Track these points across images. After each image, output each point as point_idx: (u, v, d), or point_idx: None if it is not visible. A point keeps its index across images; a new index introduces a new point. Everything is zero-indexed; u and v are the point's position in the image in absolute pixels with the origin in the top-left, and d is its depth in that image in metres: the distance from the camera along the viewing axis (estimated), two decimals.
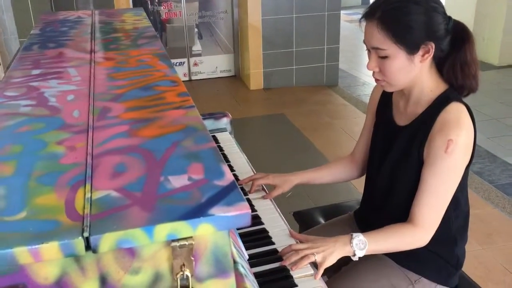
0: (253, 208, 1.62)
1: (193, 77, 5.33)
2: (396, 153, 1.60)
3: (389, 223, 1.55)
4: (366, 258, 1.68)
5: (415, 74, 1.47)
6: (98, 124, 0.94)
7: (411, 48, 1.37)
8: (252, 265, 1.33)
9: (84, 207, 0.66)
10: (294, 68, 5.12)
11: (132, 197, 0.69)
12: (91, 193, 0.70)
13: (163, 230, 0.63)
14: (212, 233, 0.66)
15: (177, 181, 0.73)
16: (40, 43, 1.52)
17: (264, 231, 1.58)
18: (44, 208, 0.67)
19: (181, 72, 5.28)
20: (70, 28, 1.74)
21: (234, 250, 1.01)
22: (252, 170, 1.95)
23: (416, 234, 1.44)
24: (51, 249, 0.60)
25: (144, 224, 0.63)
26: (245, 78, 5.20)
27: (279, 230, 1.53)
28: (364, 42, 1.49)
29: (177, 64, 5.20)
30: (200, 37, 5.24)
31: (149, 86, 1.14)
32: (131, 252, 0.64)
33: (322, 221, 2.08)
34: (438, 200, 1.42)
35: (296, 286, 1.26)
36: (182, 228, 0.64)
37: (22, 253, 0.59)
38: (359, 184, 2.13)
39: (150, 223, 0.63)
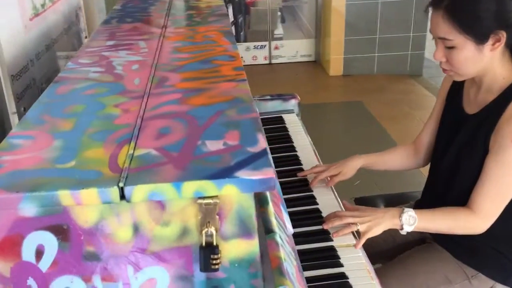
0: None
1: (273, 61, 5.37)
2: (462, 141, 1.55)
3: None
4: (422, 249, 1.65)
5: (485, 63, 1.41)
6: (154, 91, 1.01)
7: (480, 38, 1.31)
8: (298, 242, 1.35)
9: (124, 162, 0.73)
10: (376, 56, 5.00)
11: (169, 156, 0.75)
12: (134, 150, 0.77)
13: (191, 187, 0.68)
14: (236, 194, 0.69)
15: (213, 145, 0.77)
16: (118, 18, 1.63)
17: (318, 210, 1.60)
18: (91, 160, 0.74)
19: (261, 55, 5.35)
20: (149, 5, 1.84)
21: (274, 221, 1.04)
22: (314, 152, 1.96)
23: (472, 220, 1.40)
24: (89, 195, 0.67)
25: (173, 180, 0.68)
26: (325, 64, 5.15)
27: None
28: (430, 31, 1.45)
29: (258, 47, 5.27)
30: (283, 21, 5.26)
31: (209, 59, 1.20)
32: (162, 205, 0.70)
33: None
34: (499, 190, 1.37)
35: (337, 254, 1.28)
36: (208, 187, 0.68)
37: (65, 196, 0.66)
38: None
39: (179, 180, 0.68)
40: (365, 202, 2.15)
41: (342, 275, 1.34)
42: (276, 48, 5.32)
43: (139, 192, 0.67)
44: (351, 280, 1.32)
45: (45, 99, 0.98)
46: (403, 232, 1.39)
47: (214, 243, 0.72)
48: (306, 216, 1.59)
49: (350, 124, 4.07)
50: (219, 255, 0.72)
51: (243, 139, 0.79)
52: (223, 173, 0.69)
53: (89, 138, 0.81)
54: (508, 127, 1.38)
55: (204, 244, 0.72)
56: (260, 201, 1.11)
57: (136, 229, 0.71)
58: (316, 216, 1.58)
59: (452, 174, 1.59)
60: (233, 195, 0.70)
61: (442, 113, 1.67)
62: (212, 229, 0.71)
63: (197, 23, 1.55)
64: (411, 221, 1.38)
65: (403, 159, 1.83)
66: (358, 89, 4.76)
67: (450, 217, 1.43)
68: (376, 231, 1.41)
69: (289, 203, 1.63)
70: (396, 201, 1.95)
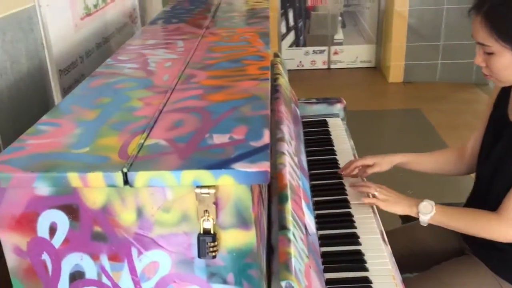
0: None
1: (332, 66, 5.34)
2: (501, 148, 1.50)
3: None
4: (459, 261, 1.60)
5: None
6: (179, 87, 1.06)
7: None
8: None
9: (133, 150, 0.78)
10: (439, 63, 4.85)
11: (176, 147, 0.79)
12: (145, 140, 0.82)
13: (189, 176, 0.71)
14: (233, 185, 0.72)
15: (219, 139, 0.81)
16: (165, 19, 1.71)
17: (350, 214, 1.59)
18: (104, 146, 0.80)
19: (320, 60, 5.33)
20: (197, 7, 1.91)
21: (290, 219, 1.06)
22: (355, 157, 1.95)
23: (493, 224, 1.36)
24: (96, 178, 0.72)
25: (174, 168, 0.72)
26: (385, 70, 5.06)
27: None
28: (472, 35, 1.42)
29: (318, 52, 5.26)
30: (343, 25, 5.22)
31: (239, 59, 1.24)
32: (163, 192, 0.74)
33: None
34: None
35: (364, 259, 1.29)
36: (205, 177, 0.71)
37: (74, 178, 0.72)
38: None
39: (179, 168, 0.72)
40: None
41: (366, 279, 1.33)
42: (336, 53, 5.28)
43: (141, 178, 0.72)
44: (374, 286, 1.31)
45: (78, 91, 1.06)
46: (422, 223, 1.41)
47: (212, 231, 0.75)
48: (336, 219, 1.59)
49: (406, 132, 3.97)
50: (216, 243, 0.76)
51: (249, 134, 0.82)
52: (221, 164, 0.72)
53: (107, 128, 0.87)
54: None
55: (202, 231, 0.75)
56: (279, 199, 1.13)
57: (139, 213, 0.76)
58: (346, 220, 1.57)
59: (491, 183, 1.54)
60: (230, 186, 0.73)
61: (488, 120, 1.62)
62: (210, 218, 0.74)
63: (237, 25, 1.60)
64: (427, 209, 1.40)
65: (445, 163, 1.78)
66: (418, 96, 4.64)
67: (470, 216, 1.42)
68: (391, 207, 1.46)
69: (321, 205, 1.64)
70: None
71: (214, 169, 0.71)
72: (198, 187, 0.72)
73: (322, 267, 1.32)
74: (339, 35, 5.25)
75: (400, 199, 1.46)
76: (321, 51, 5.27)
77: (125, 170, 0.72)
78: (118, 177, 0.72)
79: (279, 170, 1.24)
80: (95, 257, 0.79)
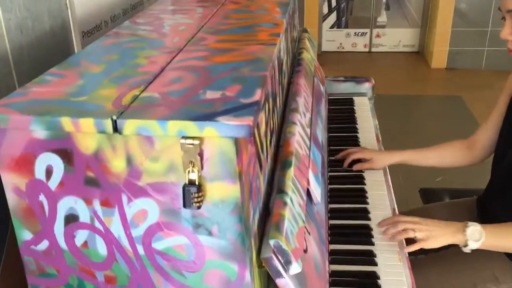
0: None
1: (373, 49, 5.24)
2: None
3: (509, 213, 1.43)
4: None
5: None
6: (187, 49, 1.08)
7: None
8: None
9: (127, 101, 0.81)
10: (485, 50, 4.68)
11: (168, 100, 0.81)
12: (140, 92, 0.84)
13: (174, 126, 0.74)
14: (217, 138, 0.74)
15: (211, 95, 0.82)
16: None
17: (363, 190, 1.59)
18: (101, 96, 0.83)
19: (361, 43, 5.24)
20: None
21: (289, 184, 1.07)
22: (377, 136, 1.93)
23: None
24: (87, 124, 0.75)
25: (160, 118, 0.74)
26: (428, 55, 4.93)
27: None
28: (499, 8, 1.37)
29: (359, 34, 5.17)
30: (387, 8, 5.10)
31: (252, 25, 1.24)
32: (151, 141, 0.76)
33: None
34: None
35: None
36: (190, 128, 0.73)
37: (66, 122, 0.75)
38: None
39: (166, 118, 0.74)
40: (430, 194, 2.08)
41: (370, 253, 1.34)
42: (378, 36, 5.18)
43: (129, 126, 0.74)
44: (377, 259, 1.31)
45: (91, 48, 1.10)
46: (466, 250, 1.29)
47: (197, 183, 0.77)
48: (349, 194, 1.59)
49: (445, 119, 3.87)
50: (201, 194, 0.78)
51: (241, 92, 0.83)
52: (206, 117, 0.74)
53: (109, 81, 0.90)
54: None
55: (187, 182, 0.77)
56: (282, 165, 1.14)
57: (129, 161, 0.78)
58: (359, 195, 1.57)
59: (510, 173, 1.50)
60: (214, 139, 0.74)
61: (506, 109, 1.57)
62: (195, 169, 0.76)
63: None
64: (476, 236, 1.27)
65: (451, 156, 1.73)
66: (461, 84, 4.50)
67: None
68: (435, 243, 1.30)
69: (335, 180, 1.64)
70: (463, 196, 1.86)
71: (198, 121, 0.73)
72: (183, 137, 0.74)
73: (325, 237, 1.33)
74: (383, 18, 5.14)
75: (441, 230, 1.30)
76: (363, 34, 5.18)
77: (114, 117, 0.75)
78: (108, 124, 0.75)
79: (287, 139, 1.25)
80: (88, 201, 0.83)
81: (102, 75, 0.93)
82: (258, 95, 0.82)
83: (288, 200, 1.02)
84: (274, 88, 1.25)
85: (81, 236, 0.86)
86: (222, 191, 0.79)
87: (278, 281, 0.93)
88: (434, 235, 1.29)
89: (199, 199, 0.78)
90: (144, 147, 0.77)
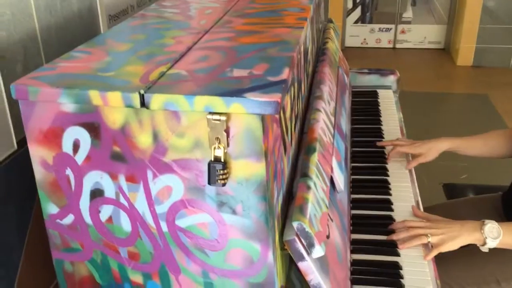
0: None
1: (398, 45, 5.17)
2: None
3: None
4: None
5: None
6: (213, 30, 1.08)
7: None
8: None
9: (155, 77, 0.81)
10: None
11: (195, 77, 0.81)
12: (167, 69, 0.84)
13: (202, 101, 0.73)
14: (244, 114, 0.73)
15: (238, 73, 0.82)
16: None
17: (386, 181, 1.57)
18: (128, 72, 0.83)
19: (386, 39, 5.18)
20: None
21: (313, 168, 1.06)
22: (401, 129, 1.91)
23: None
24: (115, 97, 0.75)
25: (188, 93, 0.74)
26: (454, 52, 4.84)
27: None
28: None
29: (384, 29, 5.11)
30: (414, 3, 5.03)
31: (279, 10, 1.23)
32: (178, 117, 0.76)
33: None
34: None
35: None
36: (217, 103, 0.73)
37: (95, 96, 0.76)
38: None
39: (193, 93, 0.74)
40: (454, 189, 2.04)
41: (391, 243, 1.32)
42: (403, 32, 5.11)
43: (156, 100, 0.74)
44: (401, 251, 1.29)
45: (117, 28, 1.11)
46: (484, 249, 1.26)
47: (222, 160, 0.77)
48: (372, 185, 1.57)
49: (469, 117, 3.80)
50: (226, 171, 0.77)
51: (269, 71, 0.82)
52: (233, 93, 0.73)
53: (136, 58, 0.91)
54: None
55: (213, 159, 0.77)
56: (307, 150, 1.14)
57: (155, 136, 0.78)
58: (382, 186, 1.55)
59: None
60: (241, 115, 0.74)
61: None
62: (221, 146, 0.76)
63: None
64: (494, 233, 1.24)
65: (496, 146, 1.70)
66: (487, 82, 4.41)
67: None
68: (452, 245, 1.26)
69: (357, 170, 1.62)
70: (487, 192, 1.83)
71: (226, 96, 0.73)
72: (210, 113, 0.74)
73: (348, 226, 1.32)
74: (408, 13, 5.07)
75: (456, 232, 1.26)
76: (388, 29, 5.11)
77: (142, 92, 0.75)
78: (135, 98, 0.75)
79: (311, 125, 1.24)
80: (113, 176, 0.83)
81: (129, 53, 0.93)
82: (285, 73, 0.81)
83: (312, 184, 1.01)
84: (300, 75, 1.24)
85: (106, 211, 0.86)
86: (247, 169, 0.78)
87: (300, 264, 0.92)
88: (450, 237, 1.26)
89: (224, 176, 0.78)
90: (170, 123, 0.77)
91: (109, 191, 0.84)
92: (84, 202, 0.86)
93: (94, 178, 0.84)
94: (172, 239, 0.86)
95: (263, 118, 0.75)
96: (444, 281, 1.46)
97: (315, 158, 1.10)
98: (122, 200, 0.85)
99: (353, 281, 1.19)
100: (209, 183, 0.79)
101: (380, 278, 1.19)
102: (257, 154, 0.77)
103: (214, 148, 0.76)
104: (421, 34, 5.07)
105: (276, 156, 0.88)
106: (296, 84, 1.16)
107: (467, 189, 2.00)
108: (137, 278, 0.91)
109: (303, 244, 0.91)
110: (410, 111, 3.68)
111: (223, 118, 0.74)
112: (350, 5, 5.09)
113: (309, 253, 0.92)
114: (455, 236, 1.26)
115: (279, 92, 0.74)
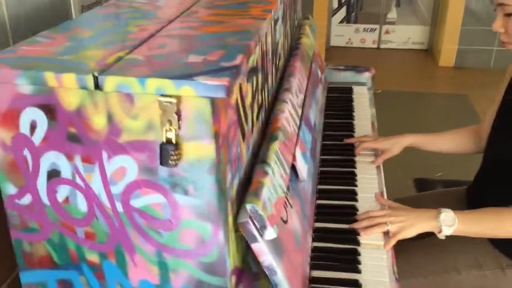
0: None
1: (382, 45, 5.23)
2: (508, 127, 1.47)
3: (495, 203, 1.43)
4: None
5: None
6: (179, 20, 1.10)
7: None
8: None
9: (111, 61, 0.83)
10: (495, 49, 4.65)
11: (151, 62, 0.84)
12: (125, 54, 0.87)
13: (153, 83, 0.76)
14: (194, 97, 0.76)
15: (193, 58, 0.85)
16: None
17: (353, 173, 1.61)
18: (87, 56, 0.86)
19: (370, 39, 5.24)
20: None
21: (272, 156, 1.10)
22: (373, 125, 1.95)
23: None
24: (69, 79, 0.78)
25: (140, 76, 0.77)
26: (436, 53, 4.91)
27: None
28: (491, 0, 1.39)
29: (368, 30, 5.16)
30: (398, 4, 5.09)
31: (247, 2, 1.26)
32: (131, 99, 0.79)
33: None
34: None
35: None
36: (168, 85, 0.76)
37: (50, 77, 0.78)
38: None
39: (145, 76, 0.77)
40: (424, 184, 2.09)
41: (353, 231, 1.35)
42: (387, 32, 5.17)
43: (110, 82, 0.77)
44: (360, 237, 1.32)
45: (84, 16, 1.13)
46: (441, 236, 1.31)
47: (174, 141, 0.80)
48: (339, 176, 1.61)
49: (448, 117, 3.86)
50: (177, 152, 0.80)
51: (223, 57, 0.85)
52: (184, 76, 0.76)
53: (98, 44, 0.93)
54: None
55: (164, 140, 0.80)
56: (269, 139, 1.17)
57: (109, 118, 0.81)
58: (349, 178, 1.59)
59: (498, 162, 1.51)
60: (191, 98, 0.77)
61: (503, 98, 1.58)
62: (172, 128, 0.79)
63: None
64: (450, 221, 1.29)
65: (461, 142, 1.75)
66: (468, 83, 4.49)
67: (494, 218, 1.33)
68: (409, 233, 1.32)
69: (327, 163, 1.66)
70: (454, 186, 1.88)
71: (176, 79, 0.75)
72: (161, 95, 0.77)
73: (311, 214, 1.35)
74: (392, 14, 5.13)
75: (414, 219, 1.32)
76: (372, 30, 5.17)
77: (96, 74, 0.77)
78: (89, 80, 0.77)
79: (276, 115, 1.27)
80: (70, 157, 0.86)
81: (91, 39, 0.96)
82: (239, 60, 0.84)
83: (269, 170, 1.05)
84: (266, 66, 1.27)
85: (62, 192, 0.89)
86: (198, 151, 0.81)
87: (253, 246, 0.96)
88: (408, 224, 1.31)
89: (175, 157, 0.80)
90: (124, 105, 0.80)
91: (66, 171, 0.87)
92: (42, 183, 0.88)
93: (51, 158, 0.86)
94: (127, 219, 0.89)
95: (213, 101, 0.78)
96: (406, 269, 1.51)
97: (275, 146, 1.14)
98: (78, 180, 0.87)
99: (312, 266, 1.22)
100: (161, 164, 0.81)
101: (338, 264, 1.23)
102: (208, 136, 0.80)
103: (166, 130, 0.79)
104: (405, 34, 5.13)
105: (231, 141, 0.91)
106: (260, 75, 1.19)
107: (436, 184, 2.05)
108: (93, 257, 0.94)
109: (256, 226, 0.94)
110: (391, 110, 3.74)
111: (174, 100, 0.77)
112: (335, 4, 5.14)
113: (261, 235, 0.95)
114: (413, 224, 1.30)
115: (229, 77, 0.76)
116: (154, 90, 0.77)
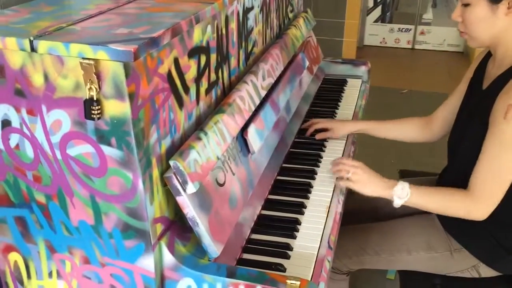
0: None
1: (416, 46, 5.20)
2: (467, 117, 1.52)
3: None
4: (415, 214, 1.63)
5: (499, 29, 1.38)
6: (136, 1, 1.25)
7: None
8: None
9: (52, 29, 0.99)
10: None
11: (85, 32, 1.00)
12: (67, 25, 1.03)
13: (75, 48, 0.91)
14: (109, 61, 0.91)
15: (121, 31, 0.99)
16: None
17: (320, 155, 1.70)
18: (35, 26, 1.03)
19: (404, 39, 5.21)
20: None
21: (211, 125, 1.22)
22: (356, 115, 2.03)
23: (469, 203, 1.35)
24: (11, 42, 0.94)
25: (66, 41, 0.92)
26: (472, 56, 4.82)
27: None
28: None
29: (403, 30, 5.14)
30: (434, 5, 5.05)
31: None
32: (61, 61, 0.94)
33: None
34: (497, 170, 1.31)
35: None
36: (87, 50, 0.91)
37: None
38: None
39: (70, 41, 0.92)
40: (409, 175, 2.14)
41: (301, 204, 1.46)
42: (422, 33, 5.13)
43: (42, 46, 0.93)
44: (306, 210, 1.43)
45: None
46: (395, 205, 1.40)
47: (95, 98, 0.94)
48: (305, 157, 1.71)
49: None
50: (99, 107, 0.95)
51: (146, 31, 0.99)
52: (101, 43, 0.91)
53: (51, 16, 1.10)
54: (502, 101, 1.34)
55: (88, 97, 0.95)
56: (216, 111, 1.30)
57: (45, 77, 0.97)
58: (313, 159, 1.69)
59: (456, 151, 1.57)
60: (108, 62, 0.91)
61: (466, 90, 1.64)
62: (93, 86, 0.94)
63: None
64: (403, 194, 1.38)
65: (410, 130, 1.81)
66: None
67: (445, 196, 1.40)
68: (362, 188, 1.42)
69: (298, 145, 1.77)
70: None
71: (93, 45, 0.90)
72: (83, 58, 0.92)
73: (262, 185, 1.47)
74: (429, 15, 5.09)
75: (373, 180, 1.42)
76: (407, 30, 5.14)
77: (31, 38, 0.94)
78: (26, 43, 0.94)
79: (232, 93, 1.40)
80: (17, 109, 1.02)
81: (49, 13, 1.13)
82: (157, 34, 0.97)
83: (203, 137, 1.18)
84: (225, 49, 1.39)
85: (14, 139, 1.06)
86: (116, 108, 0.95)
87: (178, 199, 1.09)
88: (365, 182, 1.42)
89: (97, 112, 0.95)
90: (56, 66, 0.96)
91: (15, 122, 1.04)
92: None
93: (3, 110, 1.04)
94: (65, 166, 1.05)
95: (127, 65, 0.92)
96: (360, 246, 1.60)
97: (218, 117, 1.26)
98: (25, 130, 1.04)
99: (253, 230, 1.34)
100: (85, 117, 0.96)
101: (277, 231, 1.34)
102: (122, 95, 0.94)
103: (89, 89, 0.94)
104: (441, 36, 5.07)
105: (158, 104, 1.05)
106: (215, 55, 1.32)
107: (421, 175, 2.10)
108: (41, 198, 1.11)
109: (179, 181, 1.08)
110: (422, 110, 3.73)
111: (91, 62, 0.91)
112: (371, 3, 5.16)
113: (184, 189, 1.08)
114: (369, 184, 1.41)
115: (137, 45, 0.90)
116: (77, 53, 0.92)
